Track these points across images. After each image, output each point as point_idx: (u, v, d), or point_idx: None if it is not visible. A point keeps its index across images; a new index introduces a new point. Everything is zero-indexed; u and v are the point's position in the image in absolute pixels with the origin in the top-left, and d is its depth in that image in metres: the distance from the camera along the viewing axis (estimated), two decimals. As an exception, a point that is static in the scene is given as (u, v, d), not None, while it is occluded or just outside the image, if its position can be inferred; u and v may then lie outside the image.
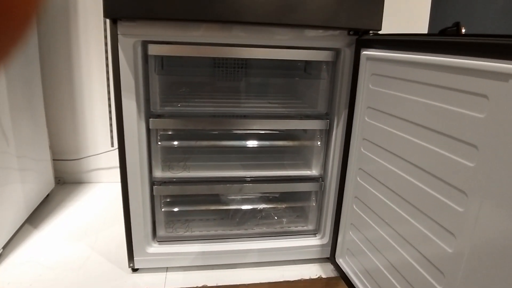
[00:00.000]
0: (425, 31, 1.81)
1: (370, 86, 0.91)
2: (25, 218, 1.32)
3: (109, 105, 1.62)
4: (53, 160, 1.61)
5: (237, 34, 0.95)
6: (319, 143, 1.15)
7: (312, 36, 0.98)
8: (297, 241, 1.19)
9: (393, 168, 0.82)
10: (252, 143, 1.26)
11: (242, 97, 1.30)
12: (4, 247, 1.17)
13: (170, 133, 1.19)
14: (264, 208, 1.31)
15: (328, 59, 1.04)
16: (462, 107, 0.62)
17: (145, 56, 0.97)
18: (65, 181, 1.72)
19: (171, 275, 1.11)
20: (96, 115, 1.66)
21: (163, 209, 1.14)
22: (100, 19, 1.54)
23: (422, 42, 0.72)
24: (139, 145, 0.99)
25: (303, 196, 1.27)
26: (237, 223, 1.23)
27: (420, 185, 0.73)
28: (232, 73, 1.30)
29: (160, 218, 1.12)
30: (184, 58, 1.28)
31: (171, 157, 1.21)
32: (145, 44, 0.95)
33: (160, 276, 1.10)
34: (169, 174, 1.10)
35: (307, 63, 1.30)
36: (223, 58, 1.28)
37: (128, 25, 0.90)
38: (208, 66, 1.30)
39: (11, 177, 1.20)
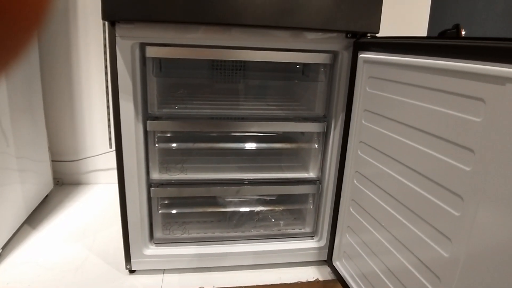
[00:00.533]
0: (425, 33, 1.81)
1: (367, 89, 0.91)
2: (24, 218, 1.32)
3: (108, 107, 1.63)
4: (52, 161, 1.61)
5: (236, 37, 0.95)
6: (316, 145, 1.15)
7: (310, 38, 0.98)
8: (294, 244, 1.19)
9: (389, 171, 0.82)
10: (249, 145, 1.27)
11: (240, 99, 1.30)
12: (3, 248, 1.17)
13: (167, 135, 1.20)
14: (261, 210, 1.31)
15: (326, 62, 1.04)
16: (458, 111, 0.62)
17: (143, 58, 0.97)
18: (63, 182, 1.73)
19: (168, 277, 1.11)
20: (95, 116, 1.66)
21: (160, 211, 1.14)
22: (99, 21, 1.54)
23: (419, 45, 0.72)
24: (136, 147, 1.00)
25: (300, 198, 1.27)
26: (234, 225, 1.23)
27: (417, 188, 0.73)
28: (230, 75, 1.30)
29: (157, 220, 1.13)
30: (182, 60, 1.28)
31: (168, 159, 1.22)
32: (143, 46, 0.95)
33: (157, 278, 1.11)
34: (166, 176, 1.10)
35: (305, 65, 1.31)
36: (221, 60, 1.28)
37: (126, 27, 0.90)
38: (206, 68, 1.31)
39: (11, 178, 1.21)
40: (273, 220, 1.28)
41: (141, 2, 0.84)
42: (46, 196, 1.54)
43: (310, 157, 1.20)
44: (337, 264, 1.11)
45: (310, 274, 1.16)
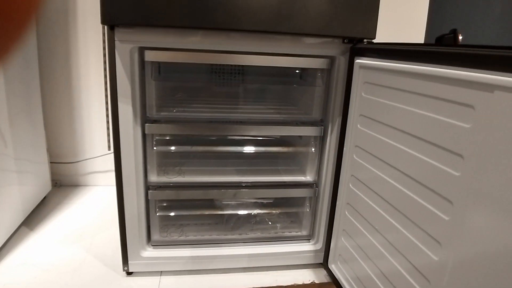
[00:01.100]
0: (423, 37, 1.82)
1: (362, 94, 0.92)
2: (22, 220, 1.33)
3: (107, 109, 1.63)
4: (50, 163, 1.62)
5: (234, 41, 0.96)
6: (313, 149, 1.16)
7: (307, 44, 1.00)
8: (291, 247, 1.19)
9: (383, 176, 0.83)
10: (247, 149, 1.28)
11: (238, 103, 1.31)
12: (0, 249, 1.18)
13: (166, 138, 1.20)
14: (258, 213, 1.32)
15: (323, 67, 1.05)
16: (448, 117, 0.63)
17: (142, 62, 0.98)
18: (61, 183, 1.73)
19: (165, 279, 1.12)
20: (94, 118, 1.67)
21: (158, 214, 1.15)
22: (98, 24, 1.55)
23: (410, 52, 0.74)
24: (134, 149, 1.00)
25: (297, 201, 1.28)
26: (232, 228, 1.24)
27: (409, 193, 0.74)
28: (228, 79, 1.31)
29: (154, 222, 1.13)
30: (181, 64, 1.29)
31: (166, 162, 1.22)
32: (142, 50, 0.96)
33: (154, 280, 1.11)
34: (164, 179, 1.11)
35: (302, 70, 1.32)
36: (219, 64, 1.29)
37: (125, 32, 0.91)
38: (205, 72, 1.32)
39: (9, 179, 1.21)
40: (270, 223, 1.29)
41: (140, 7, 0.85)
42: (44, 197, 1.55)
43: (307, 160, 1.21)
44: (332, 267, 1.12)
45: (306, 276, 1.17)
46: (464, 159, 0.59)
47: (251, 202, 1.34)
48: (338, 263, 1.09)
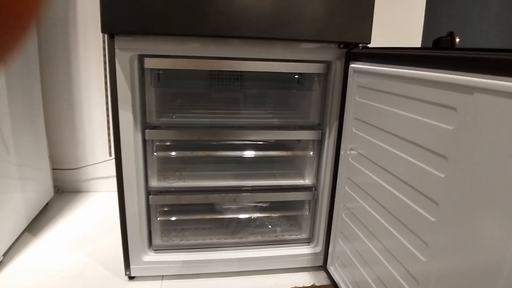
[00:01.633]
0: (419, 39, 1.84)
1: (356, 98, 0.94)
2: (25, 226, 1.34)
3: (107, 115, 1.65)
4: (52, 169, 1.63)
5: (232, 48, 0.98)
6: (311, 153, 1.18)
7: (304, 49, 1.01)
8: (291, 250, 1.21)
9: (375, 178, 0.85)
10: (246, 153, 1.29)
11: (237, 108, 1.33)
12: (4, 255, 1.19)
13: (166, 143, 1.22)
14: (258, 217, 1.33)
15: (320, 72, 1.07)
16: (433, 119, 0.65)
17: (142, 69, 1.00)
18: (63, 190, 1.75)
19: (167, 283, 1.13)
20: (95, 125, 1.69)
21: (158, 218, 1.17)
22: (98, 32, 1.57)
23: (397, 56, 0.76)
24: (135, 155, 1.02)
25: (296, 205, 1.29)
26: (232, 232, 1.25)
27: (398, 194, 0.76)
28: (227, 85, 1.33)
29: (156, 227, 1.15)
30: (180, 71, 1.31)
31: (167, 167, 1.24)
32: (141, 57, 0.98)
33: (155, 284, 1.12)
34: (165, 184, 1.13)
35: (300, 75, 1.33)
36: (218, 71, 1.31)
37: (125, 40, 0.93)
38: (204, 78, 1.33)
39: (12, 186, 1.23)
40: (270, 226, 1.30)
41: (139, 16, 0.87)
42: (47, 204, 1.56)
43: (306, 164, 1.22)
44: (331, 269, 1.13)
45: (307, 279, 1.18)
46: (448, 160, 0.60)
47: (251, 206, 1.36)
48: (336, 265, 1.10)
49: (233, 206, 1.33)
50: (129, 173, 1.03)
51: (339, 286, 1.06)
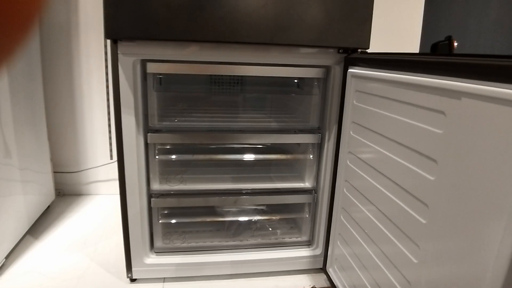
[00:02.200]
0: (418, 44, 1.85)
1: (354, 102, 0.96)
2: (27, 229, 1.35)
3: (109, 119, 1.67)
4: (54, 172, 1.65)
5: (233, 53, 1.00)
6: (311, 156, 1.19)
7: (304, 54, 1.03)
8: (291, 252, 1.22)
9: (371, 180, 0.87)
10: (247, 157, 1.30)
11: (238, 112, 1.34)
12: (6, 257, 1.20)
13: (167, 147, 1.23)
14: (258, 219, 1.35)
15: (319, 76, 1.09)
16: (423, 123, 0.66)
17: (144, 74, 1.01)
18: (65, 193, 1.76)
19: (168, 285, 1.14)
20: (96, 128, 1.70)
21: (160, 221, 1.18)
22: (100, 36, 1.59)
23: (391, 61, 0.78)
24: (137, 159, 1.03)
25: (296, 207, 1.31)
26: (233, 234, 1.27)
27: (392, 197, 0.77)
28: (227, 89, 1.34)
29: (157, 229, 1.16)
30: (182, 75, 1.32)
31: (168, 170, 1.25)
32: (144, 62, 0.99)
33: (157, 286, 1.13)
34: (166, 187, 1.14)
35: (299, 79, 1.35)
36: (219, 75, 1.33)
37: (128, 45, 0.95)
38: (205, 83, 1.35)
39: (14, 189, 1.24)
40: (270, 229, 1.32)
41: (142, 22, 0.89)
42: (48, 206, 1.57)
43: (306, 167, 1.24)
44: (330, 271, 1.14)
45: (307, 281, 1.19)
46: (438, 163, 0.62)
47: (251, 208, 1.37)
48: (335, 267, 1.11)
49: (233, 209, 1.34)
50: (132, 176, 1.04)
51: (338, 288, 1.08)
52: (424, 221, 0.66)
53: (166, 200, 1.13)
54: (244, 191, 1.18)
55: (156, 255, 1.16)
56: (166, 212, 1.27)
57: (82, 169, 1.75)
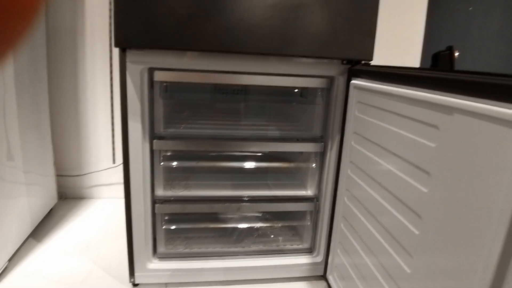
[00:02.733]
0: (419, 53, 1.87)
1: (356, 113, 0.98)
2: (30, 232, 1.36)
3: (112, 123, 1.68)
4: (57, 175, 1.66)
5: (238, 63, 1.01)
6: (314, 164, 1.21)
7: (308, 64, 1.05)
8: (292, 259, 1.23)
9: (369, 190, 0.89)
10: (250, 164, 1.32)
11: (242, 120, 1.36)
12: (9, 260, 1.21)
13: (172, 153, 1.25)
14: (260, 226, 1.36)
15: (323, 86, 1.10)
16: (418, 136, 0.68)
17: (151, 82, 1.03)
18: (67, 196, 1.77)
19: (170, 290, 1.15)
20: (99, 132, 1.72)
21: (163, 227, 1.19)
22: (106, 43, 1.61)
23: (388, 74, 0.81)
24: (142, 165, 1.05)
25: (298, 215, 1.32)
26: (235, 241, 1.28)
27: (388, 207, 0.79)
28: (232, 98, 1.36)
29: (160, 235, 1.17)
30: (187, 83, 1.34)
31: (173, 176, 1.26)
32: (151, 70, 1.01)
33: (159, 291, 1.14)
34: (170, 193, 1.15)
35: (303, 89, 1.37)
36: (224, 84, 1.34)
37: (136, 54, 0.96)
38: (209, 91, 1.37)
39: (18, 191, 1.25)
40: (272, 236, 1.33)
41: (150, 31, 0.91)
42: (50, 210, 1.58)
43: (308, 175, 1.25)
44: (330, 278, 1.16)
45: (307, 289, 1.20)
46: (431, 176, 0.64)
47: (254, 215, 1.38)
48: (335, 275, 1.12)
49: (236, 216, 1.36)
50: (136, 181, 1.05)
51: (339, 296, 1.09)
52: (417, 232, 0.67)
53: (170, 206, 1.14)
54: (247, 198, 1.19)
55: (159, 260, 1.17)
56: (169, 217, 1.29)
57: (85, 172, 1.76)
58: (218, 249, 1.23)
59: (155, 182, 1.12)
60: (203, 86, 1.36)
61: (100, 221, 1.57)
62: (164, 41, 0.92)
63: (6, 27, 0.20)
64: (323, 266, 1.22)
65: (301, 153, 1.30)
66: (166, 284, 1.17)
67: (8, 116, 1.17)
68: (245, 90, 1.36)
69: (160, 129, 1.09)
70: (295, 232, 1.36)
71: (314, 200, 1.22)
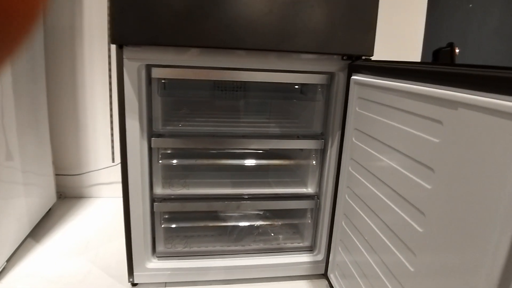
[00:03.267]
0: (420, 50, 1.86)
1: (357, 109, 0.96)
2: (28, 232, 1.35)
3: (111, 122, 1.67)
4: (55, 175, 1.65)
5: (237, 59, 1.00)
6: (314, 162, 1.19)
7: (308, 60, 1.03)
8: (293, 258, 1.22)
9: (371, 187, 0.87)
10: (249, 162, 1.31)
11: (241, 117, 1.35)
12: (7, 260, 1.20)
13: (170, 151, 1.24)
14: (261, 225, 1.35)
15: (323, 82, 1.09)
16: (421, 131, 0.67)
17: (149, 79, 1.01)
18: (66, 195, 1.76)
19: (170, 290, 1.14)
20: (98, 131, 1.71)
21: (162, 225, 1.18)
22: (104, 40, 1.60)
23: (389, 69, 0.79)
24: (141, 163, 1.03)
25: (299, 213, 1.31)
26: (235, 239, 1.27)
27: (391, 204, 0.77)
28: (231, 94, 1.35)
29: (159, 234, 1.16)
30: (185, 80, 1.33)
31: (171, 174, 1.25)
32: (149, 67, 1.00)
33: (158, 291, 1.13)
34: (169, 191, 1.14)
35: (303, 85, 1.35)
36: (223, 80, 1.33)
37: (133, 50, 0.95)
38: (208, 88, 1.35)
39: (16, 191, 1.24)
40: (272, 234, 1.32)
41: (148, 27, 0.89)
42: (49, 209, 1.57)
43: (308, 173, 1.24)
44: (331, 277, 1.14)
45: (309, 287, 1.19)
46: (435, 172, 0.62)
47: (253, 214, 1.37)
48: (336, 274, 1.11)
49: (236, 214, 1.34)
50: (135, 180, 1.04)
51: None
52: (420, 230, 0.66)
53: (168, 205, 1.13)
54: (247, 196, 1.18)
55: (158, 259, 1.16)
56: (168, 216, 1.27)
57: (84, 171, 1.75)
58: (218, 248, 1.21)
59: (154, 181, 1.11)
60: (201, 83, 1.34)
61: (99, 220, 1.56)
62: (161, 37, 0.91)
63: (6, 33, 0.20)
64: (324, 265, 1.21)
65: (301, 150, 1.29)
66: (165, 283, 1.16)
67: (6, 115, 1.16)
68: (244, 87, 1.35)
69: (158, 126, 1.08)
70: (296, 230, 1.35)
71: (314, 197, 1.21)
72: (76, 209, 1.65)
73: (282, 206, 1.21)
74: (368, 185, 0.88)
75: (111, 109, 1.65)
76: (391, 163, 0.78)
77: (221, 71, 1.03)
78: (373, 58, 1.01)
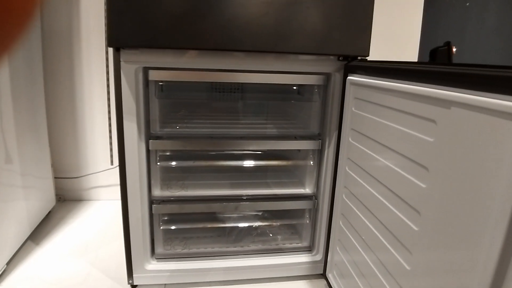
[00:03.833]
0: (417, 49, 1.87)
1: (353, 109, 0.97)
2: (28, 235, 1.36)
3: (109, 125, 1.67)
4: (54, 178, 1.65)
5: (234, 61, 1.01)
6: (312, 162, 1.20)
7: (304, 61, 1.04)
8: (292, 258, 1.22)
9: (367, 187, 0.88)
10: (247, 163, 1.31)
11: (238, 118, 1.35)
12: (8, 263, 1.20)
13: (169, 153, 1.24)
14: (259, 225, 1.35)
15: (320, 83, 1.10)
16: (416, 131, 0.67)
17: (146, 81, 1.02)
18: (65, 198, 1.76)
19: (169, 291, 1.14)
20: (97, 134, 1.71)
21: (161, 227, 1.18)
22: (102, 43, 1.60)
23: (384, 69, 0.80)
24: (139, 165, 1.04)
25: (297, 213, 1.31)
26: (234, 240, 1.27)
27: (387, 203, 0.78)
28: (228, 96, 1.35)
29: (158, 235, 1.16)
30: (182, 82, 1.33)
31: (169, 176, 1.26)
32: (146, 70, 1.00)
33: (158, 292, 1.14)
34: (167, 193, 1.15)
35: (300, 86, 1.36)
36: (220, 82, 1.34)
37: (130, 53, 0.96)
38: (206, 89, 1.36)
39: (15, 194, 1.24)
40: (271, 235, 1.32)
41: (145, 30, 0.90)
42: (49, 212, 1.58)
43: (306, 173, 1.24)
44: (330, 276, 1.15)
45: (307, 287, 1.19)
46: (429, 171, 0.63)
47: (252, 214, 1.37)
48: (335, 273, 1.11)
49: (234, 215, 1.35)
50: (133, 182, 1.05)
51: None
52: (416, 228, 0.67)
53: (167, 206, 1.14)
54: (245, 197, 1.18)
55: (157, 261, 1.16)
56: (167, 218, 1.28)
57: (83, 174, 1.75)
58: (217, 249, 1.22)
59: (152, 182, 1.11)
60: (199, 85, 1.35)
61: (99, 222, 1.56)
62: (158, 40, 0.92)
63: (2, 28, 0.20)
64: (322, 265, 1.21)
65: (299, 150, 1.30)
66: (165, 285, 1.17)
67: (4, 119, 1.16)
68: (241, 88, 1.36)
69: (156, 128, 1.08)
70: (294, 231, 1.35)
71: (312, 198, 1.21)
72: (75, 212, 1.65)
73: (280, 206, 1.22)
74: (365, 184, 0.89)
75: (109, 112, 1.66)
76: (386, 162, 0.78)
77: (219, 72, 1.03)
78: (370, 57, 1.02)
